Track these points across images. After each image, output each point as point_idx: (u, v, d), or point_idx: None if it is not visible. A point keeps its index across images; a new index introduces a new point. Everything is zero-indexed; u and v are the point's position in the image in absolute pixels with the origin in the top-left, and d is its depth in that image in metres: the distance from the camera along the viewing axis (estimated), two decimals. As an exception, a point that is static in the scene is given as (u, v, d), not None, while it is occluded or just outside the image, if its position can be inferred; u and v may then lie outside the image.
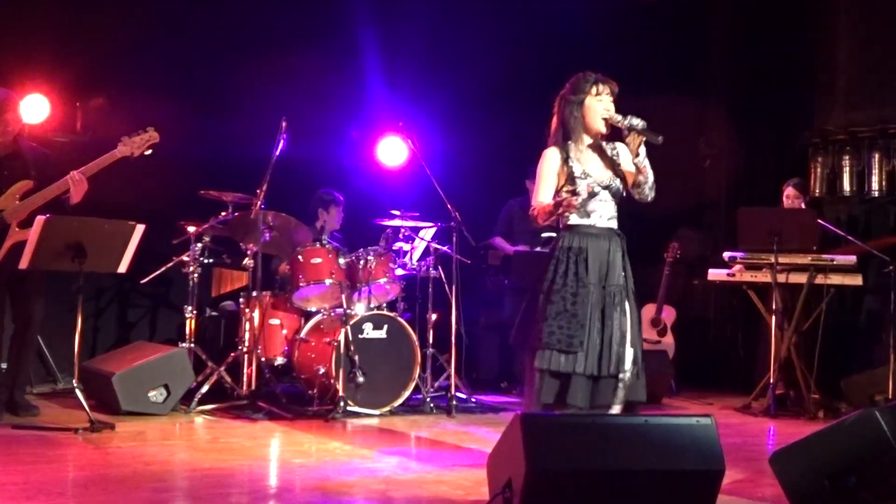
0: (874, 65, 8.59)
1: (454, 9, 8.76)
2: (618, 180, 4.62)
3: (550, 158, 4.60)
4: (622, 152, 4.67)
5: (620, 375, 4.51)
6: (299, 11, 8.25)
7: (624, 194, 4.67)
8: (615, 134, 4.67)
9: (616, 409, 4.52)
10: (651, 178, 4.62)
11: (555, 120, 4.67)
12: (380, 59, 8.46)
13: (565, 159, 4.57)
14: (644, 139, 4.52)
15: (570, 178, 4.54)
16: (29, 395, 6.70)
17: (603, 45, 8.87)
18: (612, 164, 4.65)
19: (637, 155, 4.56)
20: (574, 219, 4.56)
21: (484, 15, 8.81)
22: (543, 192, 4.59)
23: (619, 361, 4.50)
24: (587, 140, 4.64)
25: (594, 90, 4.58)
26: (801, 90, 9.03)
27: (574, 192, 4.50)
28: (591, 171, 4.58)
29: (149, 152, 5.89)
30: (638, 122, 4.50)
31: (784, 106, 9.05)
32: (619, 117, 4.54)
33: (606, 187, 4.58)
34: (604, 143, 4.67)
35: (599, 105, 4.58)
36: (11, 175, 5.82)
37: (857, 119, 8.58)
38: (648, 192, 4.65)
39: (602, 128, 4.60)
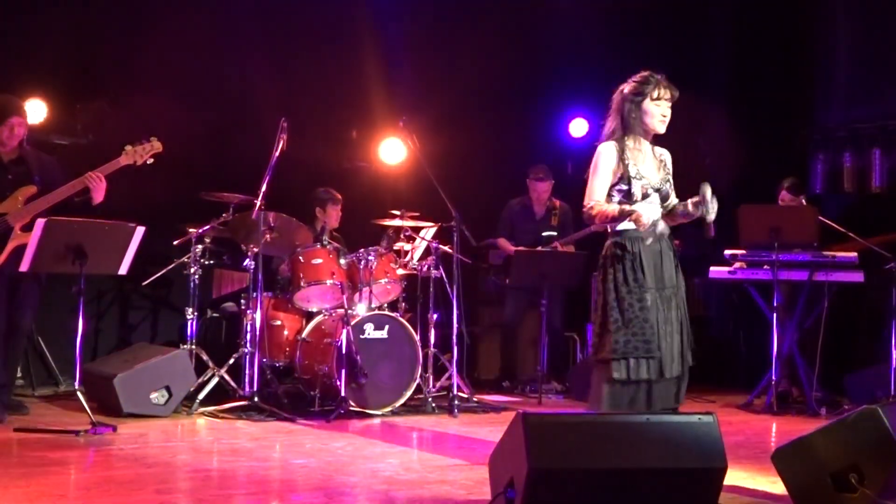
0: (874, 61, 8.59)
1: (454, 8, 8.76)
2: (668, 184, 4.64)
3: (607, 154, 4.55)
4: (668, 160, 4.71)
5: (683, 378, 4.61)
6: (299, 11, 8.25)
7: (670, 199, 4.67)
8: (660, 139, 4.70)
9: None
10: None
11: (613, 116, 4.64)
12: (381, 59, 8.45)
13: (621, 156, 4.54)
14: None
15: (625, 178, 4.52)
16: (31, 398, 6.73)
17: (602, 43, 8.88)
18: (663, 167, 4.66)
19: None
20: (624, 223, 4.52)
21: (484, 14, 8.81)
22: (599, 189, 4.55)
23: (685, 361, 4.58)
24: (643, 140, 4.62)
25: (655, 93, 4.56)
26: (801, 87, 9.03)
27: (629, 193, 4.50)
28: (645, 172, 4.56)
29: (151, 161, 5.93)
30: (712, 212, 4.55)
31: (784, 103, 9.04)
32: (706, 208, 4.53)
33: (657, 190, 4.58)
34: (654, 147, 4.68)
35: (657, 109, 4.57)
36: (15, 179, 5.87)
37: (858, 115, 8.58)
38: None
39: (659, 129, 4.60)
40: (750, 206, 7.33)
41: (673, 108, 4.64)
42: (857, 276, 7.18)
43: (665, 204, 4.64)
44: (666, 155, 4.71)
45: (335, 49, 8.33)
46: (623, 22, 9.14)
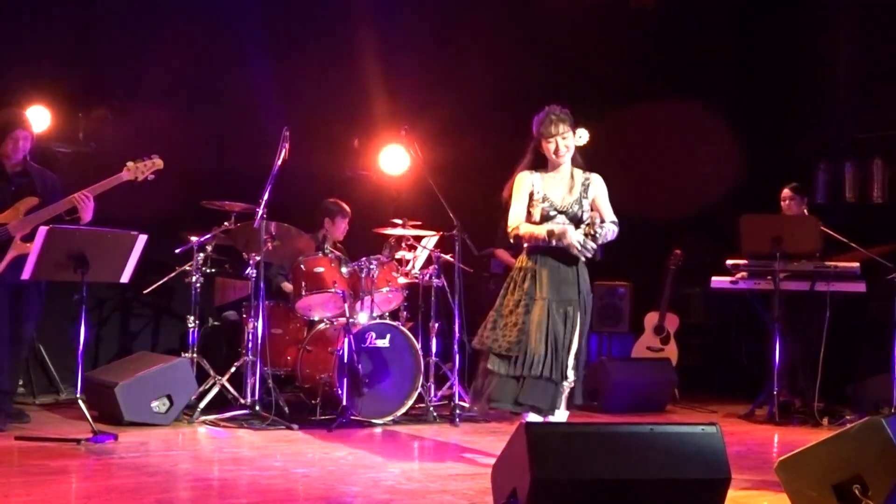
0: (876, 71, 8.59)
1: (456, 17, 8.76)
2: (577, 206, 5.05)
3: (521, 181, 5.14)
4: (595, 184, 5.15)
5: (564, 383, 4.97)
6: (301, 20, 8.25)
7: (583, 218, 5.07)
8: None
9: (560, 413, 5.00)
10: (600, 241, 5.06)
11: (531, 149, 5.22)
12: (382, 67, 8.45)
13: (532, 182, 5.11)
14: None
15: (531, 201, 5.07)
16: (32, 406, 6.72)
17: (604, 52, 8.88)
18: (579, 192, 5.09)
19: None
20: (536, 239, 5.06)
21: (486, 22, 8.82)
22: (519, 212, 5.09)
23: (563, 369, 4.96)
24: (558, 167, 5.14)
25: (547, 132, 5.09)
26: (802, 97, 9.03)
27: (529, 214, 5.04)
28: (550, 195, 5.07)
29: (152, 177, 5.96)
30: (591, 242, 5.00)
31: (786, 112, 9.05)
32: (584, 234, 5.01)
33: (563, 212, 5.05)
34: (576, 172, 5.16)
35: (550, 146, 5.09)
36: (19, 191, 5.90)
37: (859, 125, 8.58)
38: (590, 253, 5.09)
39: (559, 161, 5.10)
40: (751, 215, 7.32)
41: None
42: (859, 287, 7.17)
43: (584, 222, 5.05)
44: (593, 179, 5.16)
45: (337, 58, 8.33)
46: (626, 32, 9.15)
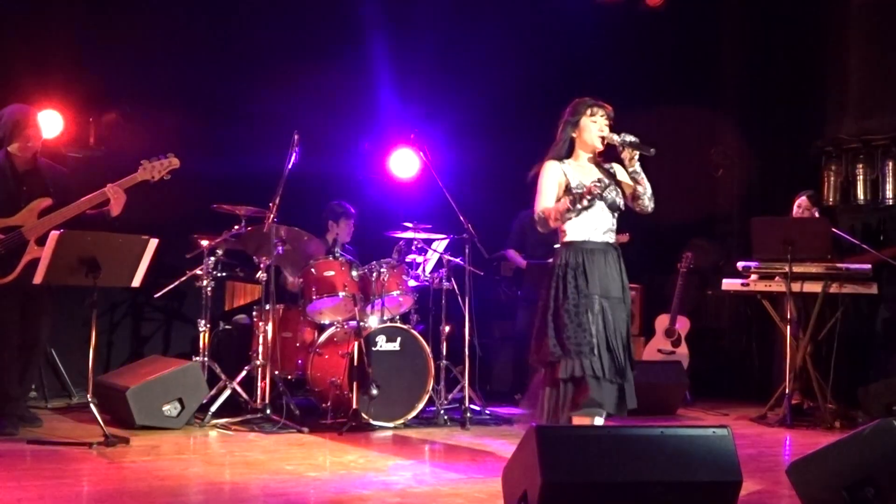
0: (886, 72, 8.57)
1: (466, 21, 8.78)
2: (614, 192, 4.85)
3: (550, 169, 4.88)
4: (619, 170, 4.94)
5: (625, 384, 4.74)
6: (311, 25, 8.27)
7: (622, 208, 4.90)
8: (612, 156, 4.96)
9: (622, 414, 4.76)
10: (649, 188, 4.89)
11: (556, 140, 4.98)
12: (392, 71, 8.47)
13: (563, 171, 4.86)
14: (638, 153, 4.79)
15: (567, 189, 4.80)
16: (44, 410, 6.74)
17: (615, 56, 8.88)
18: (610, 179, 4.89)
19: (633, 167, 4.82)
20: (572, 234, 4.82)
21: (496, 27, 8.82)
22: (546, 199, 4.84)
23: (622, 369, 4.72)
24: (584, 156, 4.94)
25: (589, 111, 4.90)
26: (813, 99, 9.01)
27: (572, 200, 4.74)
28: (585, 181, 4.81)
29: (168, 177, 5.92)
30: (631, 138, 4.79)
31: (796, 115, 9.03)
32: (615, 136, 4.83)
33: (603, 199, 4.80)
34: (601, 163, 4.95)
35: (594, 125, 4.89)
36: (30, 191, 5.86)
37: (871, 127, 8.56)
38: (648, 203, 4.90)
39: (597, 145, 4.89)
40: (763, 218, 7.31)
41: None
42: (871, 289, 7.15)
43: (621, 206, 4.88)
44: (616, 167, 4.96)
45: (347, 61, 8.35)
46: (637, 35, 9.13)
